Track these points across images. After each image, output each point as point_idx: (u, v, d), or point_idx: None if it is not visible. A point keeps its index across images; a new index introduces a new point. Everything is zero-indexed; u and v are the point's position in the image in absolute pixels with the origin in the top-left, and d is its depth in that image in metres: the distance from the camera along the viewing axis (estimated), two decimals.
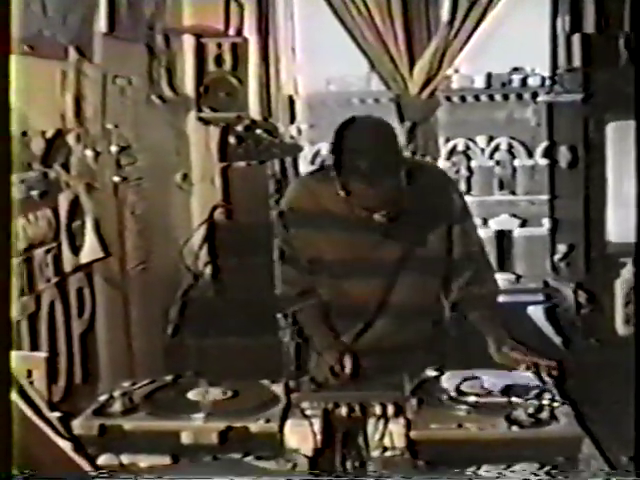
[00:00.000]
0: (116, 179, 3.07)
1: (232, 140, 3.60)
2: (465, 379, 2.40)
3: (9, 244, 2.36)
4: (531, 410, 2.26)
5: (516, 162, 4.26)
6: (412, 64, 3.66)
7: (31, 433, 2.28)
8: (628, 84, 2.75)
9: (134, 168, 3.15)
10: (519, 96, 4.16)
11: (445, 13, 3.64)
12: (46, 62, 2.64)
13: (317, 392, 2.39)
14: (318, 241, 2.63)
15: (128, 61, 3.20)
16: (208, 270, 3.43)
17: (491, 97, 4.21)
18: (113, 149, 3.03)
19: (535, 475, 2.16)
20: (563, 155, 3.83)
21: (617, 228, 3.22)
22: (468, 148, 4.28)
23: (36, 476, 2.22)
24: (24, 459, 2.24)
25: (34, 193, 2.56)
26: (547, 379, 2.45)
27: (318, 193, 2.63)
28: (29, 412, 2.29)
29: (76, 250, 2.78)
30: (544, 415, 2.25)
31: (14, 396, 2.28)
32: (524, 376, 2.50)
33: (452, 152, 4.25)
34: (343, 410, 2.28)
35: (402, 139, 3.70)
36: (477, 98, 4.20)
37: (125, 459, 2.26)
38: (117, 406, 2.38)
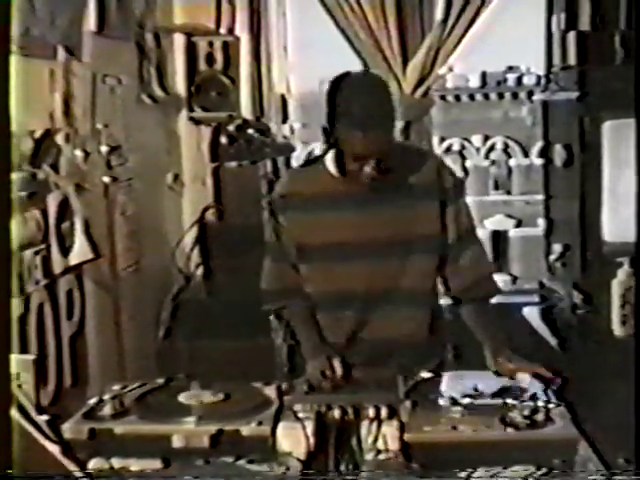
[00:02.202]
0: (106, 180, 3.05)
1: (224, 140, 3.58)
2: (459, 381, 2.38)
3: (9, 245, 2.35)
4: (526, 412, 2.24)
5: (512, 162, 4.23)
6: (405, 63, 3.65)
7: (26, 436, 2.27)
8: (624, 82, 2.73)
9: (124, 168, 3.13)
10: (514, 95, 4.14)
11: (439, 12, 3.63)
12: (35, 61, 2.62)
13: (310, 395, 2.37)
14: (308, 225, 2.61)
15: (118, 60, 3.18)
16: (200, 272, 3.41)
17: (486, 96, 4.19)
18: (103, 149, 3.02)
19: (531, 477, 2.14)
20: (558, 154, 3.82)
21: (613, 228, 3.20)
22: (463, 148, 4.26)
23: (34, 476, 2.21)
24: (23, 460, 2.23)
25: (23, 194, 2.54)
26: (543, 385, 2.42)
27: (309, 179, 2.63)
28: (17, 415, 2.27)
29: (65, 252, 2.76)
30: (539, 417, 2.23)
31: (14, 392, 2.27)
32: (519, 377, 2.48)
33: (447, 152, 4.24)
34: (336, 413, 2.26)
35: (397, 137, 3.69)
36: (472, 97, 4.18)
37: (116, 463, 2.24)
38: (107, 409, 2.36)
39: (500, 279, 4.10)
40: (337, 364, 2.49)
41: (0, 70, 2.38)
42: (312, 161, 2.74)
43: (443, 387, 2.37)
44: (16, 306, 2.51)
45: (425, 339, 2.65)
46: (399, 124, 3.71)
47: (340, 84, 2.52)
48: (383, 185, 2.54)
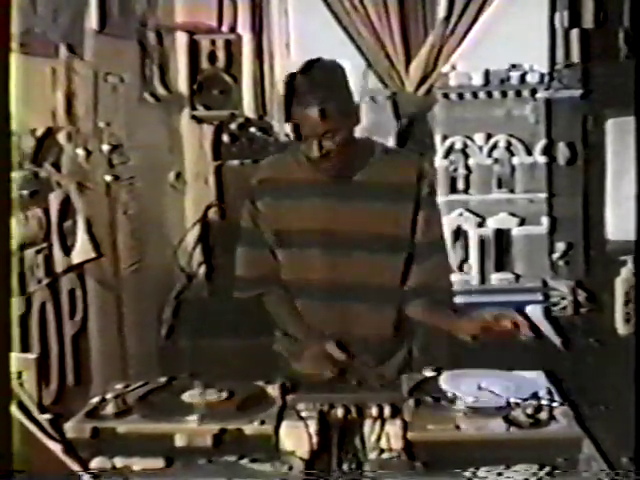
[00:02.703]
0: (108, 178, 3.05)
1: (226, 138, 3.57)
2: (462, 379, 2.37)
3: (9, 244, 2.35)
4: (530, 411, 2.24)
5: (515, 160, 4.21)
6: (408, 61, 3.63)
7: (27, 435, 2.27)
8: (628, 80, 2.73)
9: (126, 167, 3.13)
10: (518, 93, 4.11)
11: (442, 9, 3.62)
12: (36, 60, 2.61)
13: (313, 393, 2.37)
14: (285, 211, 2.62)
15: (120, 58, 3.18)
16: (202, 270, 3.41)
17: (489, 94, 4.17)
18: (105, 148, 3.01)
19: (535, 476, 2.13)
20: (562, 152, 3.80)
21: (617, 226, 3.19)
22: (466, 146, 4.24)
23: (35, 476, 2.22)
24: (23, 459, 2.23)
25: (24, 192, 2.54)
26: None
27: (285, 165, 2.65)
28: (18, 414, 2.27)
29: (67, 250, 2.76)
30: (543, 416, 2.23)
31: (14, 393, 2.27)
32: (523, 376, 2.47)
33: (450, 150, 4.22)
34: (339, 411, 2.26)
35: (399, 135, 3.68)
36: (475, 95, 4.15)
37: (118, 462, 2.25)
38: (110, 408, 2.36)
39: (504, 277, 4.09)
40: (334, 348, 2.49)
41: (1, 68, 2.38)
42: (289, 151, 2.74)
43: (444, 386, 2.36)
44: (18, 305, 2.51)
45: (390, 337, 2.65)
46: (402, 122, 3.70)
47: (298, 73, 2.55)
48: (349, 177, 2.56)
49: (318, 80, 2.52)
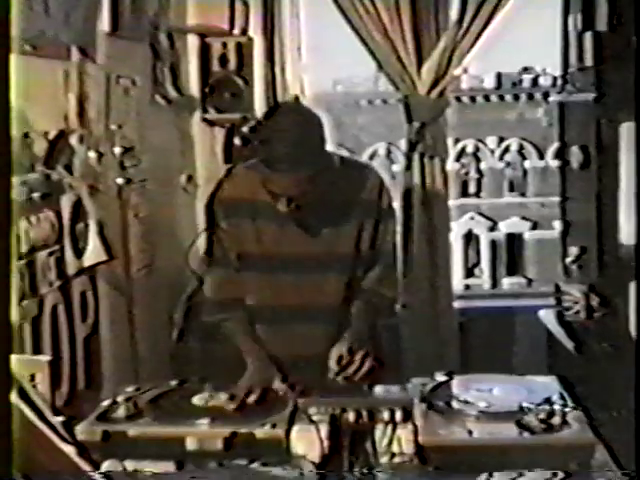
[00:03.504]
0: (120, 181, 3.05)
1: (237, 141, 3.57)
2: (474, 384, 2.36)
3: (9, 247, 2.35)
4: (542, 416, 2.22)
5: (527, 163, 4.20)
6: (420, 64, 3.62)
7: (32, 436, 2.26)
8: (632, 84, 2.72)
9: (138, 170, 3.12)
10: (530, 96, 4.11)
11: (454, 12, 3.60)
12: (49, 62, 2.62)
13: (325, 397, 2.36)
14: (246, 233, 2.61)
15: (132, 61, 3.18)
16: None
17: (501, 97, 4.16)
18: (117, 150, 3.01)
19: None
20: (574, 156, 3.78)
21: (630, 230, 3.17)
22: (478, 149, 4.23)
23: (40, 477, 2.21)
24: (24, 462, 2.23)
25: (36, 195, 2.54)
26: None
27: (246, 183, 2.63)
28: (32, 416, 2.27)
29: (79, 253, 2.76)
30: (556, 421, 2.22)
31: (14, 398, 2.27)
32: (535, 381, 2.46)
33: (461, 153, 4.21)
34: (351, 415, 2.25)
35: (411, 138, 3.67)
36: (487, 98, 4.15)
37: (129, 465, 2.25)
38: (121, 411, 2.36)
39: (516, 282, 4.08)
40: (280, 385, 2.50)
41: (10, 70, 2.38)
42: (248, 165, 2.74)
43: (455, 390, 2.35)
44: (30, 307, 2.51)
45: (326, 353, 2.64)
46: (414, 126, 3.68)
47: (269, 118, 2.55)
48: (304, 219, 2.55)
49: (283, 143, 2.49)
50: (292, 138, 2.47)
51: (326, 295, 2.62)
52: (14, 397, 2.27)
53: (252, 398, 2.41)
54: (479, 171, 4.25)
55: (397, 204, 3.65)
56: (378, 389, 2.45)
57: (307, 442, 2.20)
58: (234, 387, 2.46)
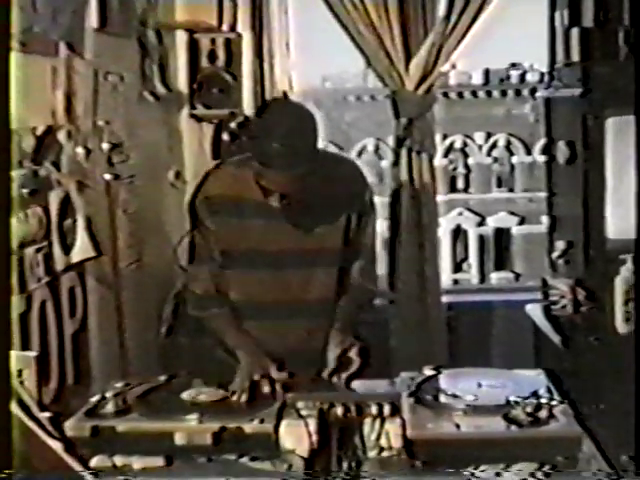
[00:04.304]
0: (108, 177, 3.04)
1: (225, 137, 3.57)
2: (462, 378, 2.37)
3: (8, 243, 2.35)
4: (529, 409, 2.24)
5: (514, 159, 4.22)
6: (408, 60, 3.63)
7: (27, 433, 2.26)
8: (628, 79, 2.72)
9: (126, 166, 3.12)
10: (517, 92, 4.12)
11: (441, 8, 3.61)
12: (36, 58, 2.61)
13: (313, 392, 2.37)
14: (233, 230, 2.61)
15: (120, 57, 3.17)
16: None
17: (489, 93, 4.17)
18: (105, 146, 3.00)
19: (534, 475, 2.13)
20: (561, 151, 3.80)
21: (616, 225, 3.19)
22: (466, 145, 4.25)
23: (35, 476, 2.21)
24: (23, 459, 2.23)
25: (24, 191, 2.53)
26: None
27: (235, 180, 2.63)
28: (20, 412, 2.27)
29: (67, 249, 2.75)
30: (543, 414, 2.23)
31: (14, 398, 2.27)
32: (523, 375, 2.47)
33: (449, 149, 4.23)
34: (339, 410, 2.26)
35: (399, 134, 3.68)
36: (475, 94, 4.16)
37: (118, 461, 2.25)
38: (110, 407, 2.36)
39: (503, 276, 4.09)
40: (276, 372, 2.50)
41: (1, 67, 2.38)
42: (236, 162, 2.74)
43: (443, 385, 2.36)
44: (18, 304, 2.50)
45: (321, 351, 2.65)
46: (402, 122, 3.69)
47: (264, 113, 2.55)
48: (294, 216, 2.56)
49: (277, 141, 2.48)
50: (287, 135, 2.47)
51: (316, 290, 2.63)
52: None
53: (244, 397, 2.42)
54: (467, 167, 4.26)
55: (385, 200, 3.66)
56: (366, 384, 2.46)
57: (296, 437, 2.21)
58: (229, 384, 2.46)
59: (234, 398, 2.40)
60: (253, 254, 2.60)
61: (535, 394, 2.30)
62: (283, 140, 2.45)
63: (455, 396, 2.29)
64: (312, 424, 2.22)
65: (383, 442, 2.20)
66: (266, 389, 2.45)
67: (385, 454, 2.20)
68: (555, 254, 3.87)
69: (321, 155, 2.63)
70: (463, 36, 3.63)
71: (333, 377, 2.53)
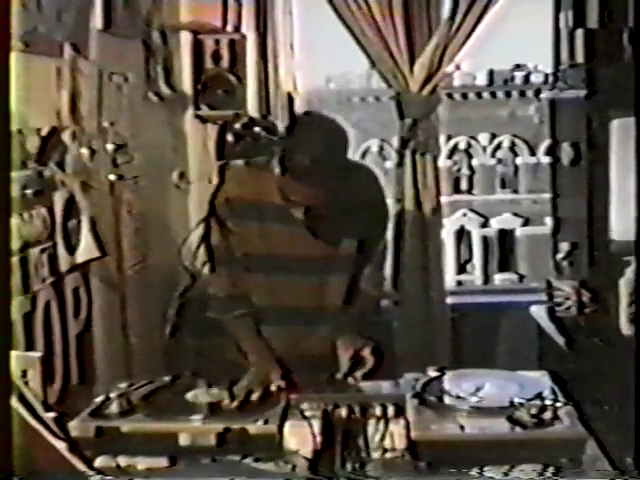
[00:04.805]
0: (112, 177, 3.04)
1: (230, 138, 3.56)
2: (466, 379, 2.37)
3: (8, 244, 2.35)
4: (533, 411, 2.23)
5: (518, 160, 4.20)
6: (412, 61, 3.62)
7: (30, 434, 2.26)
8: (632, 80, 2.72)
9: (130, 166, 3.12)
10: (522, 93, 4.10)
11: (446, 9, 3.61)
12: (41, 59, 2.61)
13: (317, 393, 2.37)
14: (254, 234, 2.62)
15: (124, 58, 3.17)
16: (206, 269, 3.40)
17: (493, 94, 4.16)
18: (109, 147, 3.01)
19: (538, 477, 2.13)
20: (566, 153, 3.79)
21: (621, 226, 3.19)
22: (470, 146, 4.23)
23: (36, 477, 2.21)
24: (24, 460, 2.23)
25: (29, 192, 2.54)
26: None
27: (256, 182, 2.64)
28: (24, 412, 2.27)
29: (72, 249, 2.76)
30: (547, 416, 2.23)
31: (14, 398, 2.27)
32: (527, 376, 2.47)
33: (453, 150, 4.21)
34: (343, 411, 2.26)
35: (403, 135, 3.67)
36: (479, 95, 4.14)
37: (122, 461, 2.25)
38: (114, 407, 2.37)
39: (507, 278, 4.08)
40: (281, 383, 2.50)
41: (2, 68, 2.38)
42: (257, 164, 2.74)
43: (447, 386, 2.36)
44: (22, 304, 2.51)
45: (330, 356, 2.66)
46: (406, 122, 3.69)
47: (297, 125, 2.55)
48: (316, 225, 2.56)
49: (309, 155, 2.49)
50: (318, 150, 2.48)
51: (329, 296, 2.63)
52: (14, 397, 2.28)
53: (254, 397, 2.42)
54: (471, 168, 4.25)
55: (389, 201, 3.65)
56: (370, 385, 2.46)
57: (300, 438, 2.21)
58: (233, 387, 2.47)
59: (229, 402, 2.39)
60: (271, 258, 2.60)
61: (539, 396, 2.30)
62: (314, 155, 2.45)
63: (459, 397, 2.29)
64: (316, 425, 2.22)
65: (387, 443, 2.20)
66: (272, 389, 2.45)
67: (389, 455, 2.20)
68: (559, 255, 3.86)
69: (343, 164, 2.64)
70: (467, 37, 3.62)
71: (348, 378, 2.53)
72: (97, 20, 2.93)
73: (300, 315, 2.62)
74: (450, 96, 3.99)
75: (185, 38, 3.50)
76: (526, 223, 4.14)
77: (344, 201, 2.56)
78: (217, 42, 3.54)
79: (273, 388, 2.46)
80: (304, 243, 2.58)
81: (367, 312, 2.71)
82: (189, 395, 2.43)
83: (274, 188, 2.56)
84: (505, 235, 4.21)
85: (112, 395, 2.43)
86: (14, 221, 2.48)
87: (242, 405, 2.37)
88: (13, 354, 2.39)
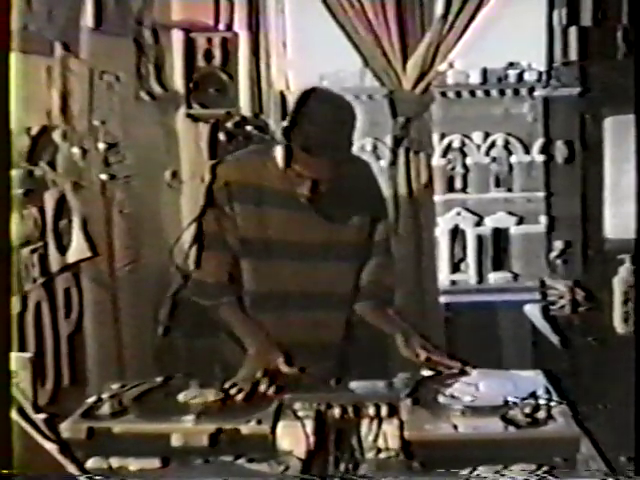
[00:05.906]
0: (104, 177, 3.04)
1: (222, 137, 3.56)
2: (460, 379, 2.37)
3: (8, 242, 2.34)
4: (527, 410, 2.23)
5: (512, 159, 4.20)
6: (405, 59, 3.62)
7: (25, 434, 2.26)
8: (626, 78, 2.72)
9: (122, 166, 3.11)
10: (515, 91, 4.10)
11: (439, 7, 3.60)
12: (32, 58, 2.60)
13: (310, 393, 2.36)
14: (252, 218, 2.61)
15: (116, 57, 3.17)
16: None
17: (487, 92, 4.16)
18: (100, 146, 3.00)
19: (533, 476, 2.13)
20: (560, 151, 3.79)
21: (615, 224, 3.18)
22: (464, 145, 4.23)
23: (35, 476, 2.21)
24: (24, 460, 2.23)
25: (19, 191, 2.53)
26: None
27: (255, 167, 2.64)
28: (14, 414, 2.26)
29: (63, 250, 2.75)
30: (541, 415, 2.22)
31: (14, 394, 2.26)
32: (521, 375, 2.46)
33: (447, 149, 4.21)
34: (336, 411, 2.25)
35: (396, 134, 3.67)
36: (472, 93, 4.14)
37: (114, 462, 2.24)
38: (106, 408, 2.36)
39: (501, 276, 4.08)
40: (283, 364, 2.49)
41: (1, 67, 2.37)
42: (258, 151, 2.74)
43: (440, 385, 2.36)
44: (13, 304, 2.50)
45: (339, 345, 2.65)
46: (399, 121, 3.69)
47: (306, 100, 2.55)
48: (321, 206, 2.56)
49: (320, 128, 2.49)
50: (328, 122, 2.49)
51: (334, 283, 2.63)
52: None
53: (247, 387, 2.41)
54: (465, 166, 4.24)
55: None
56: (364, 384, 2.45)
57: (293, 438, 2.20)
58: (234, 377, 2.45)
59: (233, 391, 2.38)
60: (272, 244, 2.59)
61: (533, 395, 2.29)
62: (324, 126, 2.46)
63: (453, 397, 2.29)
64: (309, 425, 2.21)
65: (381, 443, 2.19)
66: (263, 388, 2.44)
67: (383, 455, 2.19)
68: (553, 254, 3.85)
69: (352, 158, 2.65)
70: (461, 35, 3.62)
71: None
72: (88, 18, 2.93)
73: (300, 302, 2.61)
74: (443, 94, 3.99)
75: (177, 36, 3.49)
76: (520, 222, 4.14)
77: (353, 176, 2.56)
78: (209, 40, 3.53)
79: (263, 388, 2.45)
80: (309, 229, 2.58)
81: (383, 303, 2.70)
82: (181, 396, 2.42)
83: (277, 172, 2.55)
84: (499, 234, 4.20)
85: (104, 396, 2.42)
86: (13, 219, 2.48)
87: (249, 397, 2.36)
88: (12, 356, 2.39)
